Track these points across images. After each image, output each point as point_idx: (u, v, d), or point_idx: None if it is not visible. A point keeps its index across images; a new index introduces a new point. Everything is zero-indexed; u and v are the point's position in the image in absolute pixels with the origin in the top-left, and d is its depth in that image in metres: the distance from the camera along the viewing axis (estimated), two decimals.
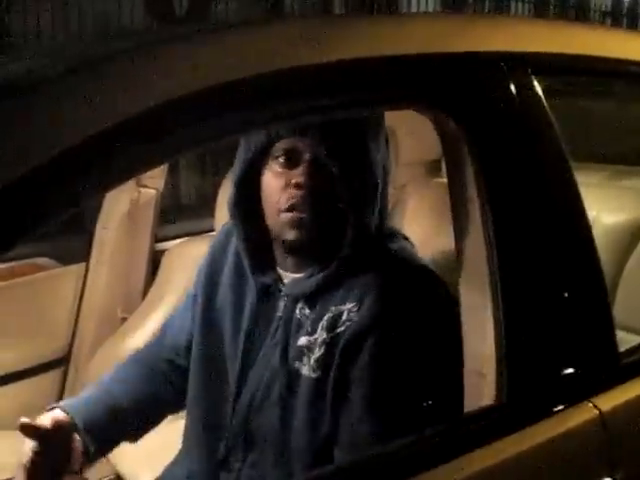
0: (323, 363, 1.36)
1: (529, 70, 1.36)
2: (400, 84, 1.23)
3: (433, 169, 2.56)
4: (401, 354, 1.35)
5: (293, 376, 1.39)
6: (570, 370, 1.30)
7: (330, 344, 1.36)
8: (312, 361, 1.37)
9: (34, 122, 0.92)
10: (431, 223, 2.16)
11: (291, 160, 1.38)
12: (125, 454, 2.35)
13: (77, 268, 2.78)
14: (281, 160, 1.39)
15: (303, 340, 1.40)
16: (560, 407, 1.28)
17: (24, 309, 2.65)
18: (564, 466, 1.26)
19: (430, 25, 1.36)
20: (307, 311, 1.42)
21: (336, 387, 1.35)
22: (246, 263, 1.49)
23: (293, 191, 1.37)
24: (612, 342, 1.39)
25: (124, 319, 2.75)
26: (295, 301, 1.44)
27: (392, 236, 1.50)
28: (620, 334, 2.18)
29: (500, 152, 1.29)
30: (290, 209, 1.37)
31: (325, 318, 1.38)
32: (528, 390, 1.27)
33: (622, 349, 1.47)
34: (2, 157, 0.89)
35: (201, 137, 1.04)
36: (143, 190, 2.74)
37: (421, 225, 2.30)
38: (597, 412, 1.29)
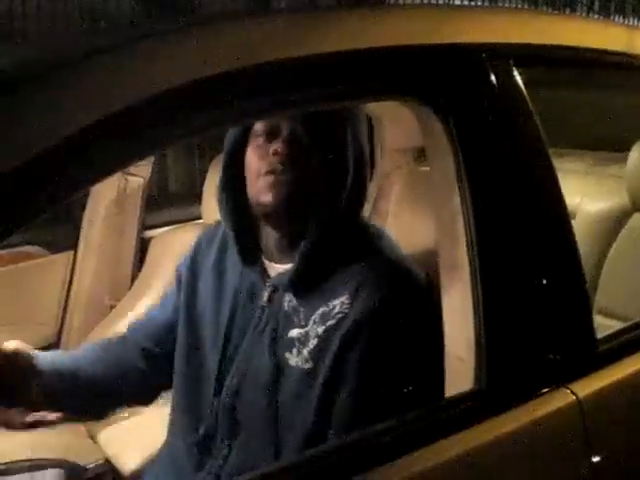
0: (316, 355, 1.40)
1: (510, 61, 1.37)
2: (382, 76, 1.24)
3: (419, 156, 2.57)
4: (391, 347, 1.39)
5: (281, 366, 1.42)
6: (548, 356, 1.32)
7: (323, 337, 1.40)
8: (305, 353, 1.40)
9: (24, 116, 0.93)
10: (416, 210, 2.18)
11: (271, 133, 1.44)
12: (114, 439, 2.38)
13: (65, 256, 2.79)
14: (261, 136, 1.45)
15: (294, 332, 1.43)
16: (537, 393, 1.30)
17: (13, 297, 2.65)
18: (541, 451, 1.28)
19: (412, 17, 1.37)
20: (295, 303, 1.45)
21: (328, 378, 1.38)
22: (237, 251, 1.53)
23: (271, 158, 1.43)
24: (590, 328, 1.41)
25: (112, 306, 2.76)
26: (282, 293, 1.47)
27: (373, 228, 1.55)
28: (603, 320, 2.22)
29: (481, 143, 1.31)
30: (267, 173, 1.42)
31: (318, 312, 1.42)
32: (507, 376, 1.29)
33: (604, 334, 1.49)
34: None
35: (185, 131, 1.06)
36: (130, 178, 2.75)
37: (406, 212, 2.32)
38: (574, 398, 1.31)
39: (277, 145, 1.42)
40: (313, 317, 1.42)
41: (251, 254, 1.54)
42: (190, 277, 1.63)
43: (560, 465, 1.31)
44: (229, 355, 1.50)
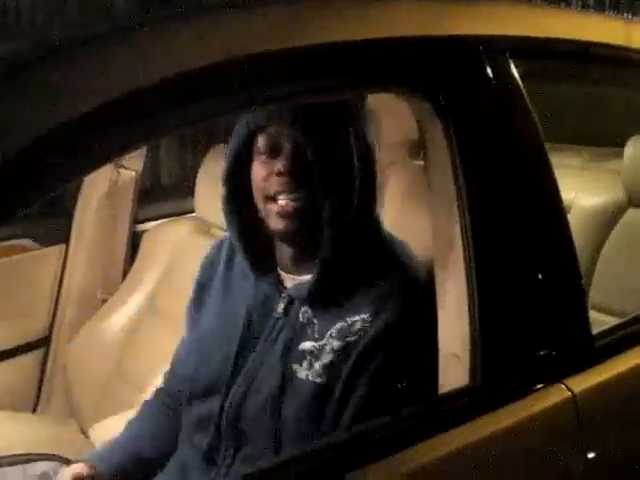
0: (331, 370, 1.38)
1: (507, 54, 1.36)
2: (378, 68, 1.23)
3: (415, 150, 2.56)
4: (408, 360, 1.38)
5: (288, 378, 1.41)
6: (544, 352, 1.31)
7: (340, 352, 1.38)
8: (317, 367, 1.39)
9: (18, 104, 0.92)
10: (411, 205, 2.16)
11: (273, 150, 1.42)
12: (106, 434, 2.36)
13: (57, 249, 2.77)
14: (264, 151, 1.43)
15: (307, 345, 1.41)
16: (533, 388, 1.30)
17: (5, 290, 2.64)
18: (536, 447, 1.28)
19: (408, 9, 1.35)
20: (311, 315, 1.43)
21: (343, 393, 1.37)
22: (248, 264, 1.52)
23: (276, 178, 1.40)
24: (586, 324, 1.40)
25: (104, 300, 2.75)
26: (298, 304, 1.46)
27: (385, 232, 1.52)
28: (597, 315, 2.22)
29: (477, 135, 1.30)
30: (275, 197, 1.41)
31: (336, 327, 1.40)
32: (502, 371, 1.28)
33: (600, 330, 1.48)
34: None
35: (181, 120, 1.05)
36: (122, 171, 2.73)
37: (401, 206, 2.31)
38: (569, 394, 1.31)
39: (280, 164, 1.40)
40: (330, 331, 1.40)
41: (264, 265, 1.52)
42: (199, 294, 1.63)
43: (555, 461, 1.30)
44: (240, 364, 1.48)
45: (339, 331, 1.39)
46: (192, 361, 1.59)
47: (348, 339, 1.38)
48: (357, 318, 1.39)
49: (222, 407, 1.47)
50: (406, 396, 1.34)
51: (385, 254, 1.48)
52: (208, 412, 1.50)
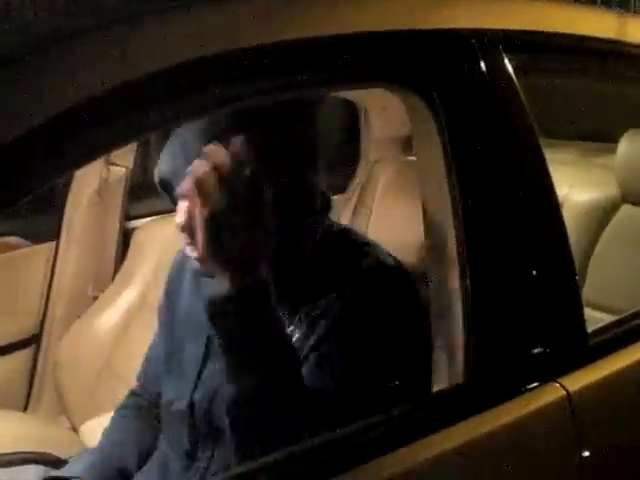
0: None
1: (500, 47, 1.35)
2: (370, 62, 1.22)
3: (406, 146, 2.55)
4: (373, 356, 1.35)
5: None
6: (538, 350, 1.30)
7: (305, 333, 1.37)
8: None
9: (2, 99, 0.91)
10: (403, 200, 2.16)
11: None
12: (96, 431, 2.36)
13: (47, 247, 2.76)
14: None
15: None
16: (527, 387, 1.29)
17: None
18: (530, 446, 1.26)
19: (400, 1, 1.34)
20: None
21: (312, 365, 1.34)
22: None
23: None
24: (581, 321, 1.39)
25: (95, 297, 2.74)
26: None
27: (352, 234, 1.51)
28: (591, 313, 2.21)
29: (470, 130, 1.28)
30: None
31: (295, 320, 1.39)
32: (496, 369, 1.27)
33: (595, 328, 1.47)
34: None
35: (161, 118, 1.03)
36: (112, 168, 2.72)
37: (393, 201, 2.31)
38: (564, 392, 1.30)
39: None
40: (295, 320, 1.38)
41: None
42: (169, 298, 1.65)
43: (550, 459, 1.29)
44: (207, 363, 1.48)
45: (297, 325, 1.38)
46: (163, 362, 1.60)
47: (313, 314, 1.36)
48: (317, 311, 1.36)
49: (192, 405, 1.47)
50: (374, 383, 1.33)
51: (337, 247, 1.45)
52: (182, 411, 1.49)
